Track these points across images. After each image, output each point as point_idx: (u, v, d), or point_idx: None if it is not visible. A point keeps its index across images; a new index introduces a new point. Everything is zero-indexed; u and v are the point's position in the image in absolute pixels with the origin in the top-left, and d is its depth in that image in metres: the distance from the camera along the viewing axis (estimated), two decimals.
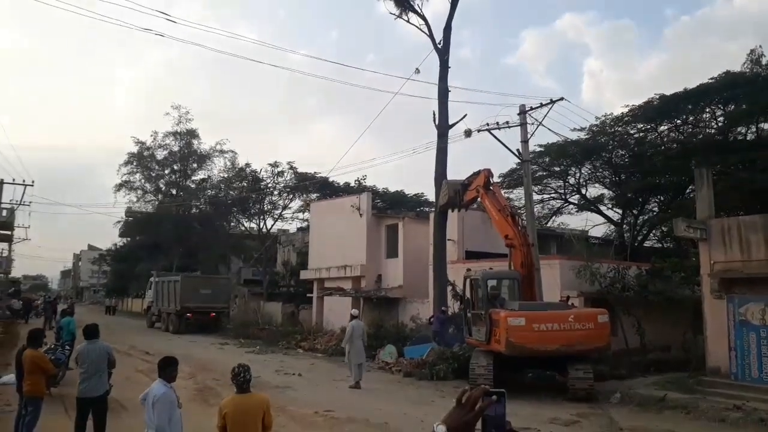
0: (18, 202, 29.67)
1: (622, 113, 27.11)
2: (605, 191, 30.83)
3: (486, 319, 13.53)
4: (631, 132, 27.61)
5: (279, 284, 36.54)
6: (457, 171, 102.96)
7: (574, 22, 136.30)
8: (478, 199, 16.03)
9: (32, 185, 29.16)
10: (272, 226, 44.03)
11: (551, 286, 16.95)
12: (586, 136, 27.75)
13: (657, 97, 25.52)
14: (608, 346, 13.75)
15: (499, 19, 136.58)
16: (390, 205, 37.21)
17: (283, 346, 23.34)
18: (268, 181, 41.24)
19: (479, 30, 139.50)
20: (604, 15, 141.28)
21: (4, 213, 31.37)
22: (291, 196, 41.67)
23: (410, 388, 14.58)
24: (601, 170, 29.72)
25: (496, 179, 31.66)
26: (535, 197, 33.23)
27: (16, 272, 54.00)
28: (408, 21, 22.10)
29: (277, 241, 43.33)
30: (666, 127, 27.09)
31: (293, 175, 40.17)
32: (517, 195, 30.56)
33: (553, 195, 32.47)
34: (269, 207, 42.23)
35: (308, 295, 31.37)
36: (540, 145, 29.42)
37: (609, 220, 30.78)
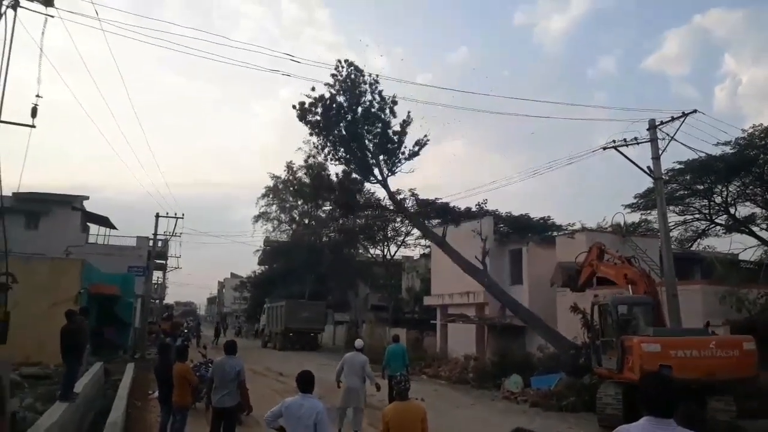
0: (171, 234, 33.23)
1: None
2: (757, 210, 28.48)
3: (618, 346, 13.06)
4: None
5: (404, 310, 37.22)
6: (595, 193, 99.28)
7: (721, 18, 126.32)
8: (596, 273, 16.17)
9: (182, 218, 32.41)
10: (396, 252, 45.20)
11: (691, 313, 15.76)
12: (732, 150, 25.76)
13: None
14: (756, 377, 12.59)
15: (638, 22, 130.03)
16: (514, 230, 36.59)
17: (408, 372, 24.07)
18: (391, 208, 42.80)
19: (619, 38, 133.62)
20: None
21: (160, 243, 34.66)
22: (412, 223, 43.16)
23: (536, 419, 14.29)
24: (751, 187, 27.43)
25: (631, 200, 30.17)
26: (677, 218, 31.34)
27: (169, 298, 59.94)
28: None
29: (401, 268, 44.23)
30: None
31: (415, 202, 41.11)
32: (654, 216, 28.80)
33: (696, 216, 30.42)
34: (393, 234, 43.43)
35: (432, 321, 31.49)
36: (679, 162, 27.80)
37: (763, 241, 28.03)
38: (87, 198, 33.14)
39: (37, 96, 10.78)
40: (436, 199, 39.59)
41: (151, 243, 32.60)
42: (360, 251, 47.01)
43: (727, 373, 12.22)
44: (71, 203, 31.47)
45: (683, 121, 16.41)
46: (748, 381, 12.72)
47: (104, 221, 35.46)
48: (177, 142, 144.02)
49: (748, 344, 12.55)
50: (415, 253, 46.02)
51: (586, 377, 16.42)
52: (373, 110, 23.78)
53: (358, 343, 12.39)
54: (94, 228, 36.93)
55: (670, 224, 21.38)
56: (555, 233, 33.41)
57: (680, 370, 11.68)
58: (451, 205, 39.26)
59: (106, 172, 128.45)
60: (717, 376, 12.15)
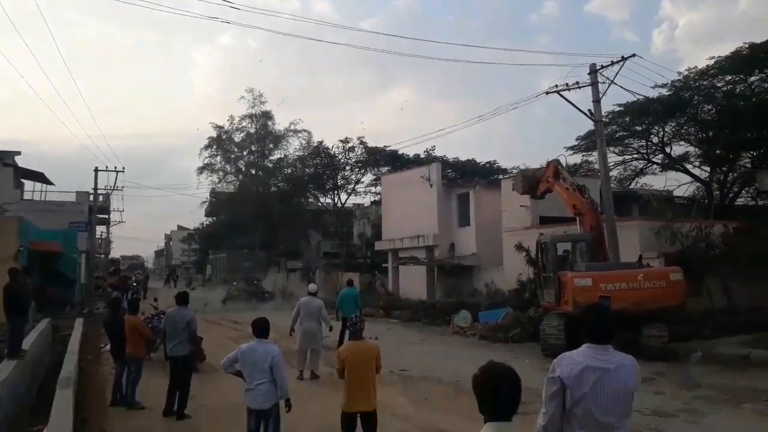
0: (112, 188, 32.11)
1: (707, 66, 25.68)
2: (691, 149, 29.44)
3: (555, 282, 13.77)
4: (718, 85, 25.97)
5: (356, 256, 37.55)
6: (537, 136, 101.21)
7: None
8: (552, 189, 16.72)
9: (123, 171, 31.34)
10: (347, 200, 45.19)
11: (630, 248, 16.48)
12: (669, 93, 26.37)
13: (746, 46, 23.97)
14: (683, 304, 13.40)
15: None
16: (461, 175, 37.17)
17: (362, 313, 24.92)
18: (340, 157, 42.22)
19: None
20: None
21: (101, 198, 33.58)
22: (362, 170, 42.45)
23: (484, 350, 14.78)
24: (686, 127, 28.22)
25: (573, 142, 30.88)
26: (616, 158, 32.36)
27: (115, 252, 58.28)
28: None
29: (352, 215, 44.29)
30: (757, 78, 25.40)
31: (363, 150, 41.09)
32: (596, 158, 29.72)
33: (635, 156, 31.28)
34: (342, 182, 43.23)
35: (384, 265, 32.21)
36: (619, 105, 28.24)
37: (696, 178, 29.35)
38: (18, 153, 31.64)
39: None
40: (385, 146, 39.79)
41: (91, 198, 31.57)
42: (310, 200, 46.94)
43: (655, 303, 12.78)
44: (2, 159, 29.95)
45: (622, 65, 16.70)
46: (676, 309, 13.40)
47: (40, 177, 33.98)
48: (112, 94, 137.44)
49: (675, 275, 13.15)
50: (366, 200, 46.42)
51: (531, 310, 17.30)
52: None
53: (312, 287, 12.67)
54: (29, 185, 35.48)
55: (609, 164, 21.92)
56: (500, 176, 34.06)
57: (613, 302, 12.23)
58: (401, 152, 39.60)
59: (36, 127, 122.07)
60: (646, 305, 12.70)
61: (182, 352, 8.92)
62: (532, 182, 16.77)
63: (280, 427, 6.26)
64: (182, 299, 9.31)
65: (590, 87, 17.22)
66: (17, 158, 31.85)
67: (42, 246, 23.85)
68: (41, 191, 35.69)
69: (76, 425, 7.19)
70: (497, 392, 2.52)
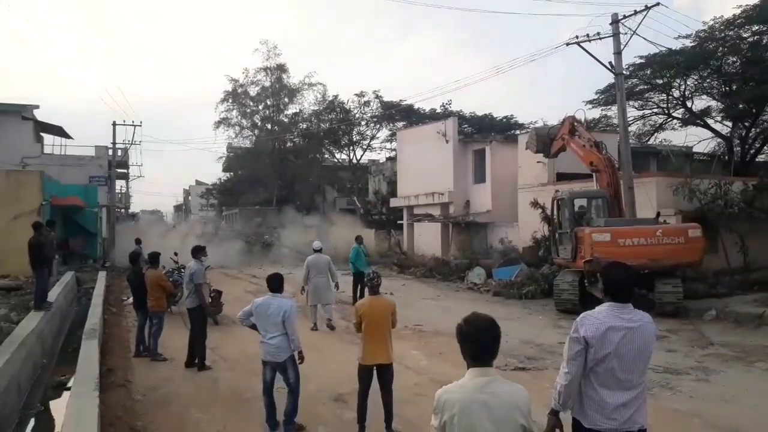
0: (130, 142, 32.28)
1: (734, 15, 24.68)
2: (713, 103, 28.60)
3: (572, 238, 13.64)
4: (745, 36, 25.06)
5: (371, 213, 37.51)
6: (556, 91, 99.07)
7: None
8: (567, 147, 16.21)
9: (140, 125, 31.40)
10: (362, 156, 45.08)
11: (646, 205, 16.33)
12: (692, 44, 25.58)
13: None
14: (700, 261, 13.35)
15: None
16: (478, 130, 36.63)
17: (378, 269, 25.15)
18: (355, 111, 41.60)
19: None
20: None
21: (120, 152, 33.80)
22: (378, 125, 42.05)
23: (498, 306, 14.89)
24: (708, 80, 27.43)
25: (592, 96, 30.14)
26: (636, 113, 31.62)
27: (135, 207, 58.87)
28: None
29: (368, 171, 44.02)
30: None
31: (379, 105, 40.21)
32: (615, 112, 29.05)
33: (655, 110, 30.51)
34: (358, 138, 42.95)
35: (399, 222, 32.27)
36: (640, 57, 27.54)
37: (717, 134, 28.65)
38: (37, 107, 31.66)
39: None
40: (400, 101, 39.27)
41: (110, 152, 31.62)
42: (326, 156, 46.63)
43: (673, 259, 12.81)
44: (20, 112, 29.95)
45: (645, 15, 16.15)
46: (693, 265, 13.46)
47: (58, 131, 34.04)
48: (127, 46, 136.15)
49: (694, 231, 13.05)
50: (381, 156, 46.07)
51: (545, 267, 17.47)
52: None
53: (316, 244, 12.82)
54: (48, 139, 35.69)
55: (628, 119, 21.58)
56: (517, 132, 33.19)
57: (628, 257, 12.10)
58: (416, 107, 39.09)
59: (52, 81, 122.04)
60: (663, 261, 12.74)
61: (191, 305, 9.18)
62: (545, 140, 16.45)
63: (299, 378, 6.33)
64: (195, 252, 9.49)
65: (611, 38, 16.69)
66: (36, 112, 32.07)
67: (63, 201, 24.16)
68: (60, 145, 36.02)
69: (101, 374, 7.35)
70: (478, 340, 2.65)
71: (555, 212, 15.36)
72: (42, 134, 33.93)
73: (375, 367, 6.10)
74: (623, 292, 3.22)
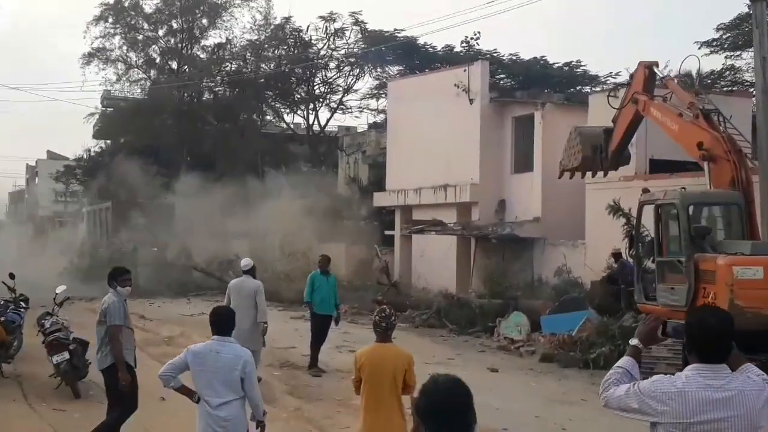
0: None
1: None
2: None
3: (690, 270, 13.21)
4: None
5: (341, 214, 36.23)
6: (650, 26, 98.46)
7: None
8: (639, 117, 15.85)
9: None
10: (329, 120, 42.15)
11: None
12: None
13: None
14: None
15: None
16: (522, 84, 36.24)
17: (351, 309, 24.19)
18: (320, 45, 38.67)
19: None
20: None
21: None
22: (357, 70, 39.53)
23: (549, 379, 14.81)
24: None
25: (710, 35, 30.17)
26: None
27: None
28: None
29: (337, 146, 40.22)
30: None
31: (359, 36, 38.50)
32: (748, 61, 28.84)
33: None
34: (324, 90, 40.13)
35: (387, 232, 31.16)
36: None
37: None
38: None
39: None
40: (395, 30, 38.64)
41: None
42: (268, 117, 44.05)
43: None
44: None
45: None
46: None
47: None
48: None
49: None
50: (361, 122, 44.32)
51: (626, 317, 16.98)
52: None
53: (245, 262, 13.25)
54: None
55: None
56: (587, 89, 32.89)
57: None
58: (422, 42, 38.56)
59: None
60: None
61: (106, 363, 9.10)
62: (597, 141, 16.24)
63: None
64: (111, 278, 9.44)
65: None
66: None
67: None
68: None
69: None
70: (442, 418, 3.03)
71: (656, 226, 14.86)
72: None
73: None
74: (716, 348, 3.56)
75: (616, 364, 4.00)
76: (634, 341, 4.11)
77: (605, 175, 17.88)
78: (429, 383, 3.07)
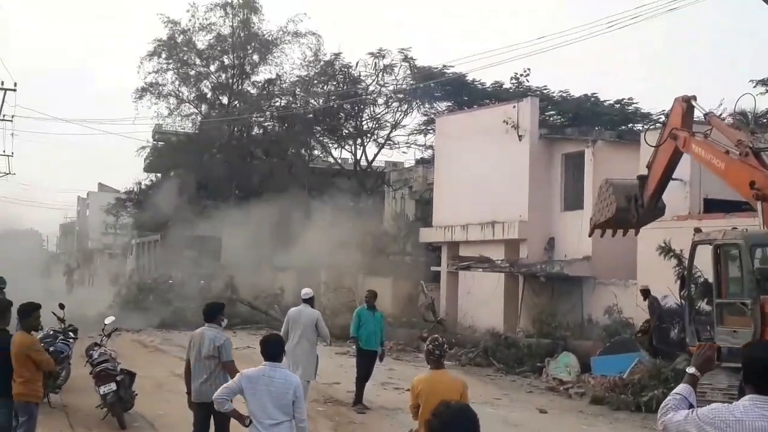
0: None
1: None
2: None
3: (756, 312, 13.16)
4: None
5: (387, 250, 36.72)
6: (704, 61, 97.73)
7: None
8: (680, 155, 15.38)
9: (15, 89, 31.42)
10: (376, 155, 41.70)
11: None
12: None
13: None
14: None
15: None
16: (572, 120, 36.04)
17: (396, 346, 24.67)
18: (369, 81, 38.65)
19: None
20: None
21: None
22: (405, 106, 39.13)
23: (600, 422, 14.84)
24: None
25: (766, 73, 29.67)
26: None
27: None
28: None
29: (384, 181, 40.26)
30: None
31: (409, 71, 38.70)
32: None
33: None
34: (372, 125, 40.18)
35: (433, 268, 31.08)
36: None
37: None
38: None
39: None
40: (444, 67, 38.72)
41: None
42: (316, 152, 43.78)
43: None
44: None
45: None
46: None
47: None
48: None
49: None
50: (408, 157, 43.35)
51: (679, 359, 16.50)
52: None
53: (305, 292, 13.63)
54: None
55: None
56: (639, 126, 32.77)
57: None
58: (470, 78, 38.48)
59: None
60: None
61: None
62: (632, 191, 16.01)
63: None
64: (209, 314, 9.96)
65: None
66: None
67: None
68: None
69: None
70: None
71: (716, 267, 14.80)
72: None
73: None
74: None
75: (674, 391, 4.20)
76: (691, 369, 4.30)
77: (637, 232, 17.85)
78: (441, 406, 3.36)
